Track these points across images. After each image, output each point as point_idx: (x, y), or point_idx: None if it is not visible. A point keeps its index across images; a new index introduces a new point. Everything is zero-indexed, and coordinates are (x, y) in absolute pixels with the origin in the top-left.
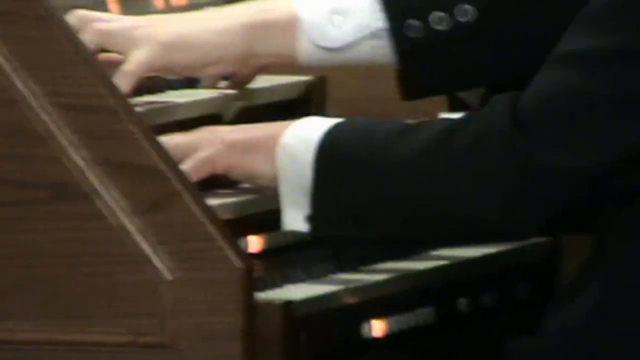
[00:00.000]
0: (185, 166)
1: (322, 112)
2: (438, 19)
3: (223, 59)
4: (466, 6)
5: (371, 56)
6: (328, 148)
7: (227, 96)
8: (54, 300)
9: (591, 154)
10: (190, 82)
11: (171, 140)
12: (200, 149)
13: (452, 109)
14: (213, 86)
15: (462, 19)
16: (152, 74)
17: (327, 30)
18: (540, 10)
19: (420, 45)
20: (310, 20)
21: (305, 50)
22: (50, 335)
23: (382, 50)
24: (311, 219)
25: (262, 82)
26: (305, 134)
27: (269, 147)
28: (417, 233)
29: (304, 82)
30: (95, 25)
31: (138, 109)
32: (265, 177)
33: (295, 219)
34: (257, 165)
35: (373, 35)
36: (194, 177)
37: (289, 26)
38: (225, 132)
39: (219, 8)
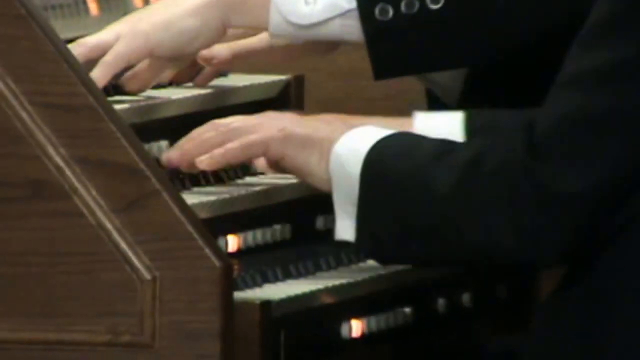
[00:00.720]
0: (235, 144)
1: (299, 109)
2: (409, 4)
3: (201, 34)
4: None
5: (340, 34)
6: (373, 163)
7: (207, 95)
8: (31, 299)
9: (610, 174)
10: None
11: (232, 123)
12: (257, 131)
13: (430, 108)
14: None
15: (431, 6)
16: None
17: (299, 7)
18: (502, 3)
19: (388, 28)
20: None
21: (276, 24)
22: (27, 334)
23: (351, 29)
24: (355, 229)
25: (240, 80)
26: (355, 146)
27: (324, 150)
28: (444, 257)
29: (281, 81)
30: (81, 41)
31: (119, 106)
32: (316, 177)
33: (347, 228)
34: (311, 164)
35: (343, 14)
36: (242, 155)
37: (263, 1)
38: (286, 121)
39: None
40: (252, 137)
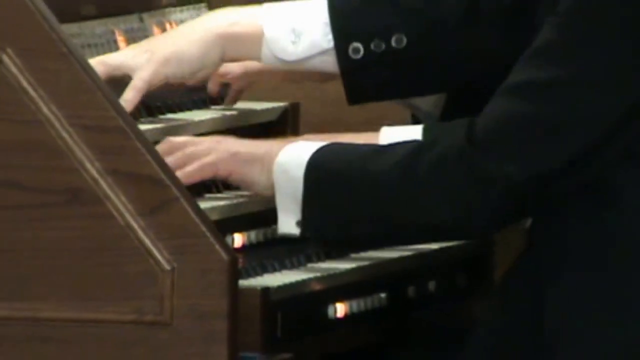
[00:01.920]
0: (192, 167)
1: (295, 133)
2: (377, 44)
3: (205, 66)
4: (401, 36)
5: (320, 68)
6: (315, 166)
7: (218, 119)
8: (72, 285)
9: (533, 165)
10: (197, 104)
11: (186, 146)
12: (207, 154)
13: None
14: (216, 93)
15: (396, 46)
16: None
17: (286, 46)
18: (455, 44)
19: (359, 64)
20: (273, 37)
21: (267, 58)
22: (69, 314)
23: (329, 64)
24: (301, 224)
25: (245, 106)
26: (297, 154)
27: (265, 162)
28: (388, 237)
29: (280, 107)
30: (100, 59)
31: (144, 127)
32: (259, 186)
33: (288, 223)
34: (254, 175)
35: (322, 52)
36: (198, 176)
37: (256, 38)
38: (231, 143)
39: (205, 15)
40: (205, 160)
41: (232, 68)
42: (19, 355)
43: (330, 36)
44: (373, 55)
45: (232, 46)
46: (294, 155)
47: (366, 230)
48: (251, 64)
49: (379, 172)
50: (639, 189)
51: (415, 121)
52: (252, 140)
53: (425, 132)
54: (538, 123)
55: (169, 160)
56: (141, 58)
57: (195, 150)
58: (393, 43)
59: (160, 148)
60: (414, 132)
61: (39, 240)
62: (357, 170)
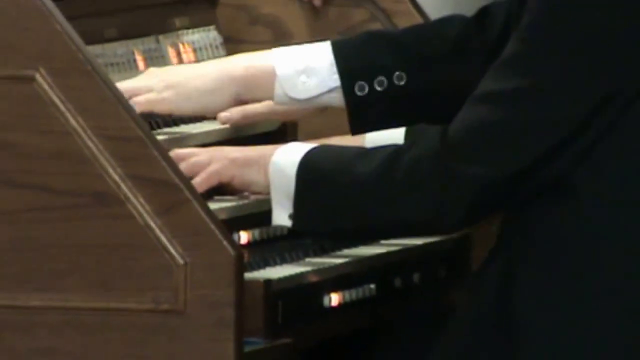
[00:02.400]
0: (199, 178)
1: (294, 140)
2: (380, 82)
3: (217, 105)
4: (402, 73)
5: (328, 104)
6: (306, 165)
7: (223, 129)
8: (97, 278)
9: (500, 166)
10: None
11: (190, 156)
12: (211, 164)
13: None
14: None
15: (398, 83)
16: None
17: (296, 85)
18: (447, 78)
19: (365, 100)
20: (285, 76)
21: (279, 98)
22: (93, 303)
23: (336, 101)
24: (293, 217)
25: None
26: (291, 154)
27: (261, 163)
28: (369, 232)
29: None
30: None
31: (160, 137)
32: (258, 186)
33: (281, 216)
34: (253, 176)
35: (330, 90)
36: (206, 185)
37: (269, 79)
38: (228, 151)
39: (222, 58)
40: (209, 169)
41: (232, 114)
42: (52, 340)
43: (336, 75)
44: (377, 92)
45: (246, 88)
46: (287, 155)
47: (350, 226)
48: (248, 109)
49: (361, 173)
50: (594, 187)
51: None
52: (247, 147)
53: (406, 135)
54: (503, 129)
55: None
56: (155, 86)
57: (197, 160)
58: (395, 80)
59: None
60: (396, 136)
61: (69, 238)
62: (343, 171)
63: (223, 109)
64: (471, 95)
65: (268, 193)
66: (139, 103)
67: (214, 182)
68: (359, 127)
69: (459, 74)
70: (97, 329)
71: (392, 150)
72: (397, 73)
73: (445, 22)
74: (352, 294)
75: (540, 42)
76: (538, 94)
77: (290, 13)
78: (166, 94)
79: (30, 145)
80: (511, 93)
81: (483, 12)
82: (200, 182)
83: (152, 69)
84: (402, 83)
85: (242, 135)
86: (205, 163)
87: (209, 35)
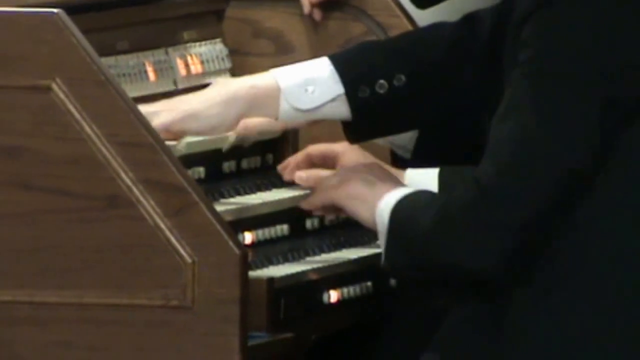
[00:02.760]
0: (317, 196)
1: (295, 146)
2: (380, 85)
3: (224, 125)
4: (401, 75)
5: (330, 115)
6: (394, 214)
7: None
8: (110, 276)
9: (533, 205)
10: None
11: (326, 176)
12: (336, 187)
13: (393, 161)
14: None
15: (398, 85)
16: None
17: (300, 96)
18: (444, 80)
19: (368, 103)
20: (289, 88)
21: (284, 112)
22: (107, 300)
23: (339, 110)
24: (383, 260)
25: None
26: (389, 202)
27: (370, 205)
28: (434, 276)
29: None
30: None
31: (169, 143)
32: (366, 222)
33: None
34: (362, 214)
35: (333, 99)
36: (319, 204)
37: (274, 95)
38: (343, 175)
39: (226, 80)
40: (328, 194)
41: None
42: (66, 334)
43: (338, 85)
44: (379, 94)
45: (251, 107)
46: (388, 203)
47: (411, 272)
48: (250, 122)
49: (424, 223)
50: (594, 215)
51: (392, 153)
52: (371, 174)
53: (439, 176)
54: (530, 168)
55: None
56: (166, 111)
57: (328, 181)
58: (395, 82)
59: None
60: (430, 174)
61: (84, 238)
62: (415, 220)
63: (230, 129)
64: (493, 136)
65: (375, 230)
66: (155, 126)
67: (326, 202)
68: (360, 131)
69: (454, 75)
70: (110, 324)
71: (444, 200)
72: (396, 76)
73: (437, 27)
74: (350, 291)
75: (546, 77)
76: (554, 126)
77: (292, 27)
78: (177, 117)
79: (47, 151)
80: (529, 132)
81: (470, 17)
82: (315, 200)
83: (164, 101)
84: (402, 85)
85: (242, 142)
86: (330, 184)
87: (215, 47)
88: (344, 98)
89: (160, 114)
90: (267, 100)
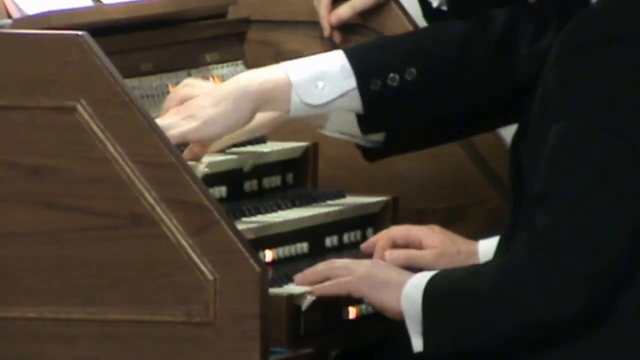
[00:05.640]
0: (330, 283)
1: (315, 167)
2: (392, 78)
3: (240, 123)
4: (412, 69)
5: (341, 108)
6: (428, 294)
7: (245, 155)
8: (134, 293)
9: (597, 254)
10: None
11: (333, 263)
12: (350, 273)
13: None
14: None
15: (409, 79)
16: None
17: (312, 91)
18: (457, 76)
19: (379, 96)
20: (300, 83)
21: (295, 106)
22: (131, 316)
23: (349, 104)
24: (422, 342)
25: (272, 146)
26: (418, 284)
27: (396, 293)
28: (493, 342)
29: (303, 146)
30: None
31: (191, 163)
32: (390, 311)
33: (418, 343)
34: (385, 301)
35: (343, 94)
36: (334, 292)
37: (285, 90)
38: (367, 268)
39: (238, 75)
40: (346, 279)
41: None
42: (92, 350)
43: (350, 79)
44: (390, 87)
45: (263, 102)
46: (416, 285)
47: (477, 340)
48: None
49: (478, 288)
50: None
51: None
52: (386, 266)
53: (499, 245)
54: (571, 235)
55: (321, 269)
56: (183, 121)
57: (340, 266)
58: (406, 76)
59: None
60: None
61: (108, 256)
62: (461, 290)
63: (245, 125)
64: (540, 198)
65: (400, 320)
66: (174, 137)
67: (341, 292)
68: (371, 124)
69: (464, 72)
70: (134, 339)
71: (498, 263)
72: (408, 70)
73: (450, 24)
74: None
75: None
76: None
77: (312, 49)
78: (195, 124)
79: (72, 171)
80: (573, 197)
81: (482, 17)
82: (328, 287)
83: (174, 108)
84: (413, 79)
85: (269, 161)
86: (342, 273)
87: (237, 69)
88: (353, 93)
89: (177, 124)
90: (278, 94)
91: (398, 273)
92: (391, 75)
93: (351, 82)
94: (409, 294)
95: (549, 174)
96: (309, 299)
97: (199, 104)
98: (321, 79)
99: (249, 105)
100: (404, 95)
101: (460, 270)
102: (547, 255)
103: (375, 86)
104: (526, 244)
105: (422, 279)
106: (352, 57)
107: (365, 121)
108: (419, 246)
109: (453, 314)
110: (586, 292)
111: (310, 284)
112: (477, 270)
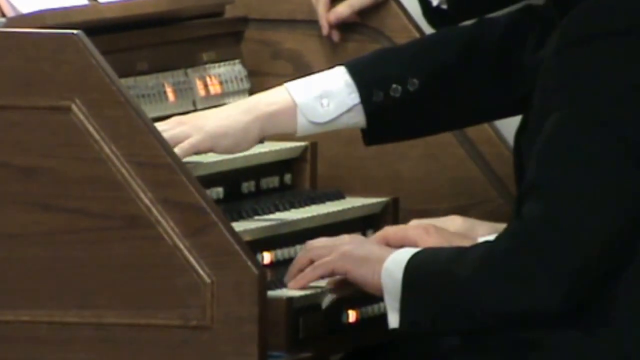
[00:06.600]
0: (311, 267)
1: (314, 167)
2: (395, 89)
3: (247, 143)
4: (415, 80)
5: (346, 125)
6: (410, 270)
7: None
8: (129, 296)
9: (584, 245)
10: None
11: (313, 246)
12: (329, 253)
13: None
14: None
15: (411, 89)
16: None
17: (317, 110)
18: (456, 84)
19: (382, 107)
20: (305, 104)
21: (302, 127)
22: (127, 319)
23: (355, 119)
24: (399, 319)
25: (270, 146)
26: (399, 259)
27: (377, 268)
28: (470, 326)
29: (302, 145)
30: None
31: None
32: (371, 287)
33: (394, 319)
34: (366, 277)
35: (349, 110)
36: (318, 275)
37: (290, 111)
38: (347, 243)
39: (241, 100)
40: (327, 259)
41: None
42: (86, 354)
43: (353, 95)
44: (393, 98)
45: (270, 124)
46: (397, 261)
47: (452, 324)
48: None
49: (459, 272)
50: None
51: None
52: (367, 242)
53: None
54: (564, 225)
55: (299, 262)
56: (192, 132)
57: (319, 246)
58: (409, 86)
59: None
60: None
61: (103, 258)
62: (443, 272)
63: (251, 147)
64: (528, 188)
65: (380, 295)
66: (184, 148)
67: (326, 273)
68: (375, 136)
69: (466, 76)
70: (129, 343)
71: (485, 248)
72: (410, 80)
73: (450, 30)
74: (369, 311)
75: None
76: (593, 167)
77: (310, 48)
78: (204, 136)
79: (66, 171)
80: (570, 187)
81: (482, 20)
82: (310, 274)
83: (176, 118)
84: (415, 89)
85: (268, 161)
86: (325, 253)
87: (234, 68)
88: (359, 107)
89: (186, 134)
90: (284, 117)
91: (379, 248)
92: (393, 86)
93: (355, 97)
94: (390, 268)
95: (540, 165)
96: (330, 297)
97: (207, 117)
98: (325, 96)
99: (256, 128)
100: (407, 105)
101: (445, 251)
102: (530, 246)
103: (378, 98)
104: (511, 233)
105: (404, 254)
106: (353, 71)
107: (369, 133)
108: (414, 247)
109: (431, 294)
110: (566, 286)
111: (303, 285)
112: (461, 253)
